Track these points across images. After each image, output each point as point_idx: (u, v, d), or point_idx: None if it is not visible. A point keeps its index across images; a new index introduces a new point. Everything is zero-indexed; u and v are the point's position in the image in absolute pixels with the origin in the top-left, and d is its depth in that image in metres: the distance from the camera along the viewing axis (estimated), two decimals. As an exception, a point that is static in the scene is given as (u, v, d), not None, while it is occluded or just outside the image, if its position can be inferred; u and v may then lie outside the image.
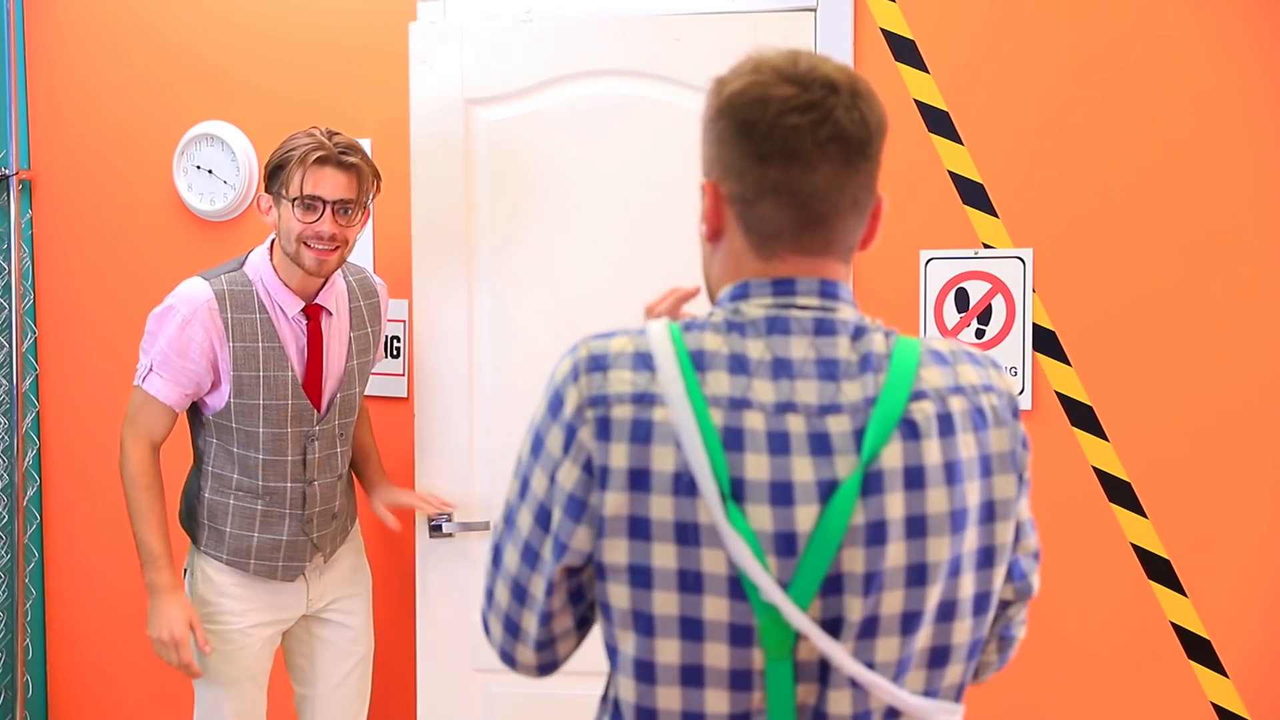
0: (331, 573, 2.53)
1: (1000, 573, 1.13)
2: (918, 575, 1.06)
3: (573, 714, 2.72)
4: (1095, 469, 2.44)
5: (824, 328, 1.10)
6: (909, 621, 1.06)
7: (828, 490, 1.04)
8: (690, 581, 1.05)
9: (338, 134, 2.33)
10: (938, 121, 2.50)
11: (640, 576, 1.06)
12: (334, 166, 2.27)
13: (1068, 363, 2.44)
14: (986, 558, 1.10)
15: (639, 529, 1.05)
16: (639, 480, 1.05)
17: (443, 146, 2.74)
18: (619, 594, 1.08)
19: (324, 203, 2.27)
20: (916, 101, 2.51)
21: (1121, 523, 2.43)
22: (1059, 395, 2.45)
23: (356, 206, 2.32)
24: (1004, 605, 1.20)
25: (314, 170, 2.26)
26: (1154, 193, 2.39)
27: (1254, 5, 2.33)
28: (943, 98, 2.49)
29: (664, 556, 1.05)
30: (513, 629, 1.17)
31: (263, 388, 2.34)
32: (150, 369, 2.33)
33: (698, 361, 1.08)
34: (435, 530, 2.67)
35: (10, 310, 3.16)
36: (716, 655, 1.06)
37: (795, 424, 1.05)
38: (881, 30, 2.52)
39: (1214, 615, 2.38)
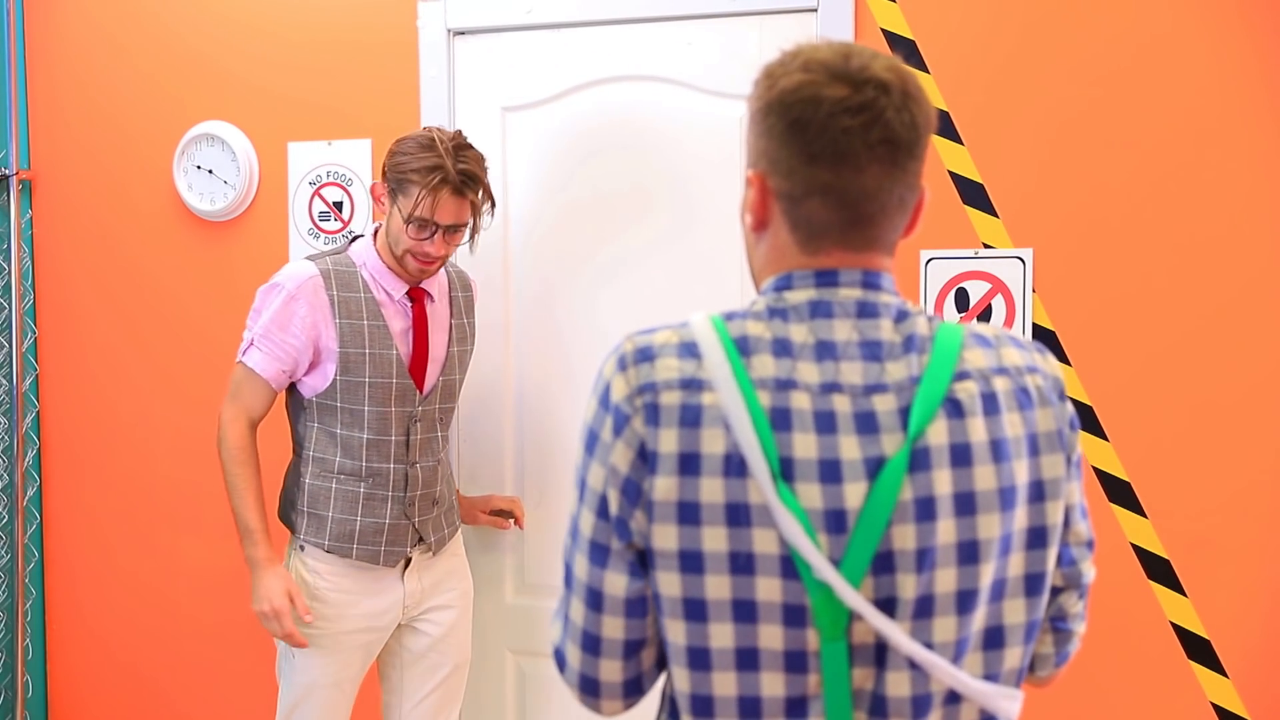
0: (429, 575, 2.50)
1: (1052, 554, 1.13)
2: (970, 552, 1.06)
3: None
4: (1095, 469, 2.44)
5: (866, 310, 1.12)
6: (965, 600, 1.07)
7: (875, 467, 1.05)
8: (742, 563, 1.06)
9: (464, 149, 2.29)
10: (938, 121, 2.50)
11: (691, 561, 1.07)
12: (453, 193, 2.26)
13: (1068, 362, 2.45)
14: (1038, 538, 1.11)
15: (689, 514, 1.07)
16: (689, 464, 1.07)
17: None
18: (669, 581, 1.08)
19: (437, 226, 2.29)
20: (917, 102, 2.51)
21: (1121, 523, 2.43)
22: (1059, 395, 2.45)
23: (467, 228, 2.35)
24: (1055, 592, 1.19)
25: (434, 194, 2.24)
26: (1153, 193, 2.39)
27: (1253, 4, 2.33)
28: (943, 97, 2.50)
29: (715, 540, 1.06)
30: (592, 644, 1.14)
31: (369, 365, 2.35)
32: (251, 343, 2.36)
33: (742, 347, 1.10)
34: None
35: (10, 310, 3.16)
36: (771, 637, 1.07)
37: (841, 403, 1.07)
38: (882, 30, 2.52)
39: (1214, 615, 2.38)
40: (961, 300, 2.49)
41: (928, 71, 2.50)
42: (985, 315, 2.48)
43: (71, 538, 3.22)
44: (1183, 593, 2.40)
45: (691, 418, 1.07)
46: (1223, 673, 2.38)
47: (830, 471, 1.05)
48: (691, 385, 1.09)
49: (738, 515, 1.05)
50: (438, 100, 2.81)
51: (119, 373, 3.14)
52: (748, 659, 1.08)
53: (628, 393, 1.11)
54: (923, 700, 1.07)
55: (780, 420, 1.06)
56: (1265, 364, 2.34)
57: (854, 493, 1.05)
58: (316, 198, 2.93)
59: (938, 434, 1.06)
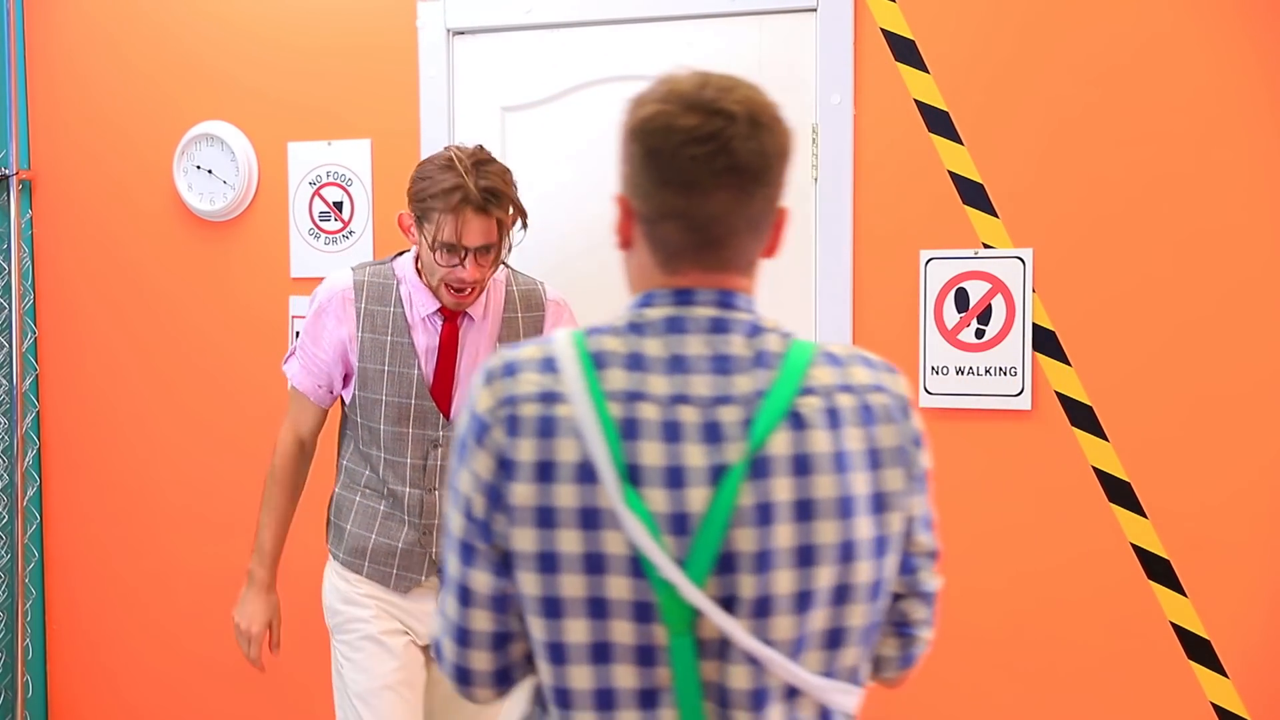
0: None
1: (891, 562, 1.20)
2: (807, 556, 1.13)
3: None
4: (1095, 469, 2.44)
5: (719, 326, 1.19)
6: (802, 601, 1.13)
7: (718, 474, 1.12)
8: (594, 563, 1.13)
9: (485, 164, 2.14)
10: (938, 121, 2.50)
11: (548, 562, 1.14)
12: (477, 211, 2.10)
13: (1067, 363, 2.44)
14: (880, 547, 1.18)
15: (546, 518, 1.14)
16: (545, 472, 1.14)
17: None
18: (529, 581, 1.15)
19: (466, 249, 2.13)
20: (916, 101, 2.51)
21: (1121, 523, 2.43)
22: (1059, 395, 2.45)
23: (498, 246, 2.17)
24: (897, 598, 1.26)
25: (456, 215, 2.10)
26: (1153, 192, 2.39)
27: (1252, 4, 2.33)
28: (943, 98, 2.50)
29: (569, 542, 1.13)
30: (463, 637, 1.21)
31: (386, 383, 2.26)
32: (291, 354, 2.36)
33: (598, 361, 1.17)
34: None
35: (10, 310, 3.16)
36: (622, 632, 1.14)
37: (688, 414, 1.14)
38: (882, 30, 2.52)
39: (1214, 615, 2.38)
40: (961, 300, 2.49)
41: (928, 71, 2.50)
42: (985, 315, 2.48)
43: (71, 538, 3.22)
44: (1183, 593, 2.40)
45: (547, 428, 1.15)
46: (1223, 673, 2.38)
47: (675, 477, 1.12)
48: (549, 398, 1.16)
49: (590, 519, 1.13)
50: (437, 100, 2.81)
51: (119, 373, 3.14)
52: (601, 653, 1.15)
53: (491, 404, 1.18)
54: (761, 693, 1.14)
55: (629, 430, 1.13)
56: (1265, 364, 2.34)
57: (697, 497, 1.12)
58: (316, 198, 2.93)
59: (779, 444, 1.13)
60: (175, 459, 3.10)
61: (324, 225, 2.93)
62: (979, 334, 2.49)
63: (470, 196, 2.09)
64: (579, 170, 2.73)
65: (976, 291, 2.49)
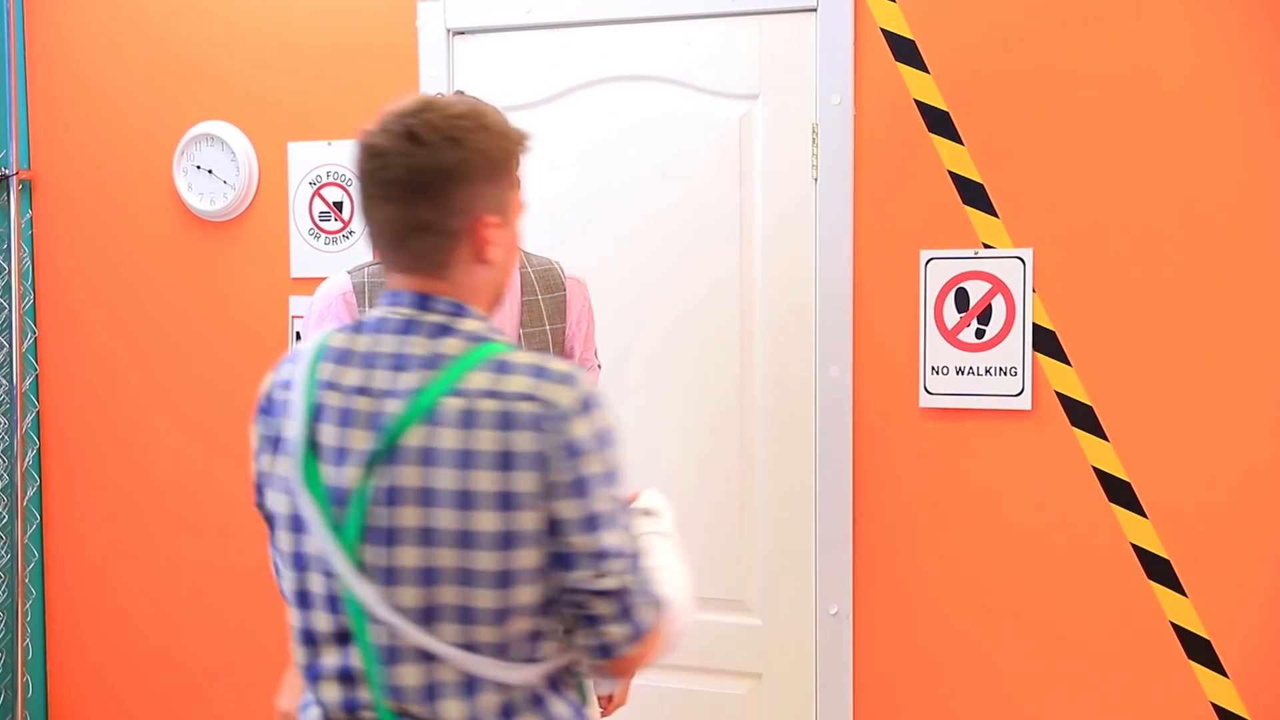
0: None
1: (528, 555, 1.31)
2: (428, 537, 1.30)
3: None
4: (1095, 469, 2.44)
5: (408, 328, 1.37)
6: (425, 576, 1.30)
7: (370, 457, 1.32)
8: (295, 524, 1.37)
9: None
10: (938, 121, 2.50)
11: (275, 522, 1.41)
12: None
13: (1068, 363, 2.44)
14: (507, 540, 1.30)
15: (278, 483, 1.39)
16: (278, 445, 1.39)
17: None
18: (275, 537, 1.42)
19: None
20: (917, 101, 2.51)
21: (1121, 523, 2.43)
22: (1059, 395, 2.45)
23: None
24: (575, 592, 1.34)
25: None
26: (1154, 192, 2.39)
27: (1253, 5, 2.33)
28: (943, 98, 2.50)
29: (281, 504, 1.38)
30: (285, 595, 1.44)
31: None
32: None
33: (324, 354, 1.39)
34: None
35: (10, 310, 3.16)
36: (316, 583, 1.36)
37: (362, 403, 1.34)
38: (882, 30, 2.52)
39: (1214, 615, 2.38)
40: (961, 300, 2.49)
41: (928, 71, 2.50)
42: (985, 315, 2.48)
43: (71, 538, 3.22)
44: (1183, 593, 2.40)
45: (281, 409, 1.40)
46: (1223, 673, 2.38)
47: (340, 457, 1.33)
48: (288, 385, 1.40)
49: (290, 487, 1.37)
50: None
51: (119, 373, 3.14)
52: (304, 600, 1.38)
53: (264, 389, 1.45)
54: (394, 651, 1.33)
55: (319, 414, 1.35)
56: (1265, 364, 2.34)
57: (351, 475, 1.32)
58: (317, 198, 2.93)
59: (413, 437, 1.30)
60: (175, 459, 3.10)
61: (324, 225, 2.93)
62: (979, 334, 2.49)
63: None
64: (579, 170, 2.74)
65: (976, 291, 2.49)
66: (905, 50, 2.51)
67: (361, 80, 2.89)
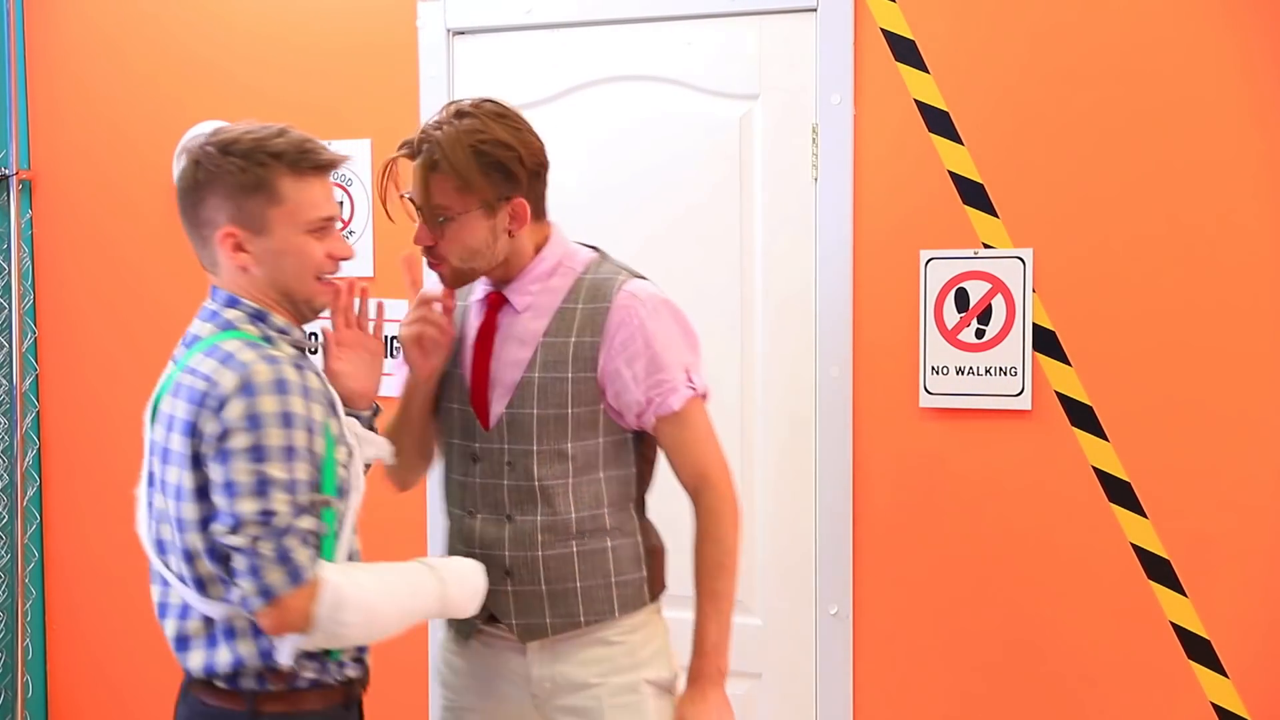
0: (562, 663, 1.92)
1: (190, 508, 1.61)
2: (159, 484, 1.66)
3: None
4: (1095, 469, 2.44)
5: (200, 313, 1.73)
6: (160, 515, 1.67)
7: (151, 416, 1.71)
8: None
9: (463, 116, 1.83)
10: (938, 121, 2.50)
11: None
12: (418, 164, 1.85)
13: (1067, 363, 2.45)
14: (178, 492, 1.62)
15: None
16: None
17: None
18: None
19: (417, 208, 1.87)
20: (917, 101, 2.51)
21: (1121, 523, 2.43)
22: (1059, 395, 2.45)
23: (453, 217, 1.82)
24: (216, 545, 1.61)
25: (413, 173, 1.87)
26: (1154, 192, 2.39)
27: (1253, 5, 2.33)
28: (943, 98, 2.50)
29: None
30: None
31: (444, 384, 1.97)
32: None
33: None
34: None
35: (10, 310, 3.16)
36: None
37: (171, 373, 1.70)
38: (882, 30, 2.52)
39: (1214, 615, 2.38)
40: (961, 300, 2.49)
41: (928, 71, 2.50)
42: (985, 315, 2.48)
43: (71, 538, 3.22)
44: (1183, 593, 2.40)
45: None
46: (1223, 673, 2.38)
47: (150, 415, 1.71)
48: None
49: None
50: (438, 100, 2.81)
51: (119, 373, 3.14)
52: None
53: None
54: (152, 573, 1.77)
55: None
56: (1265, 364, 2.34)
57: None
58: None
59: (164, 403, 1.66)
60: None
61: (324, 225, 2.93)
62: (979, 334, 2.49)
63: (410, 140, 1.86)
64: (580, 171, 2.73)
65: (977, 291, 2.49)
66: (905, 50, 2.51)
67: (362, 80, 2.89)
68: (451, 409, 1.96)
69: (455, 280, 1.90)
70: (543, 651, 1.92)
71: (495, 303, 1.92)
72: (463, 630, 1.97)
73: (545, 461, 1.87)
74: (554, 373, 1.87)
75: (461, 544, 1.95)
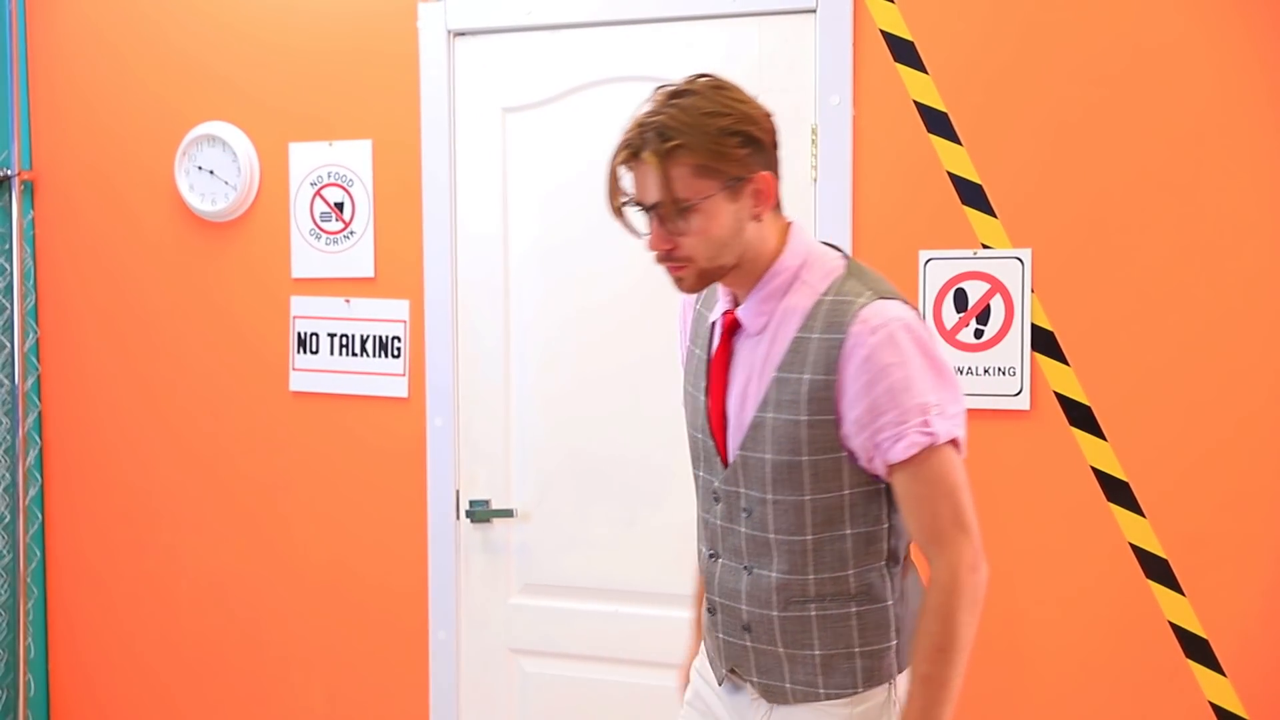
0: None
1: None
2: None
3: (603, 695, 2.78)
4: (1093, 469, 2.44)
5: None
6: None
7: None
8: None
9: (678, 96, 1.66)
10: (937, 122, 2.50)
11: None
12: (630, 159, 1.67)
13: (1066, 363, 2.45)
14: None
15: None
16: None
17: (476, 152, 2.83)
18: None
19: (639, 204, 1.68)
20: (916, 102, 2.51)
21: (1120, 522, 2.43)
22: (1057, 395, 2.46)
23: (687, 206, 1.61)
24: None
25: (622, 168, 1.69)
26: (1152, 193, 2.40)
27: (1253, 4, 2.34)
28: (941, 99, 2.50)
29: None
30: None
31: (686, 406, 1.82)
32: None
33: None
34: (471, 515, 2.82)
35: (12, 310, 3.17)
36: None
37: None
38: (881, 32, 2.53)
39: (1212, 615, 2.39)
40: (960, 300, 2.50)
41: (926, 72, 2.50)
42: (984, 315, 2.49)
43: (73, 538, 3.23)
44: (1181, 592, 2.40)
45: None
46: (1220, 672, 2.38)
47: None
48: None
49: None
50: (438, 101, 2.82)
51: (121, 373, 3.15)
52: None
53: None
54: None
55: None
56: (1264, 364, 2.35)
57: None
58: (318, 198, 2.94)
59: None
60: (177, 459, 3.11)
61: (325, 226, 2.94)
62: (978, 334, 2.50)
63: (626, 138, 1.67)
64: (580, 171, 2.74)
65: (975, 292, 2.50)
66: (904, 51, 2.52)
67: (362, 81, 2.89)
68: (696, 437, 1.78)
69: (700, 283, 1.68)
70: (783, 710, 1.73)
71: (730, 326, 1.72)
72: (714, 670, 1.82)
73: (782, 513, 1.66)
74: (788, 414, 1.63)
75: (707, 583, 1.80)
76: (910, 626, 1.68)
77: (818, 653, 1.68)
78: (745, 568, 1.71)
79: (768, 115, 1.67)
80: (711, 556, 1.76)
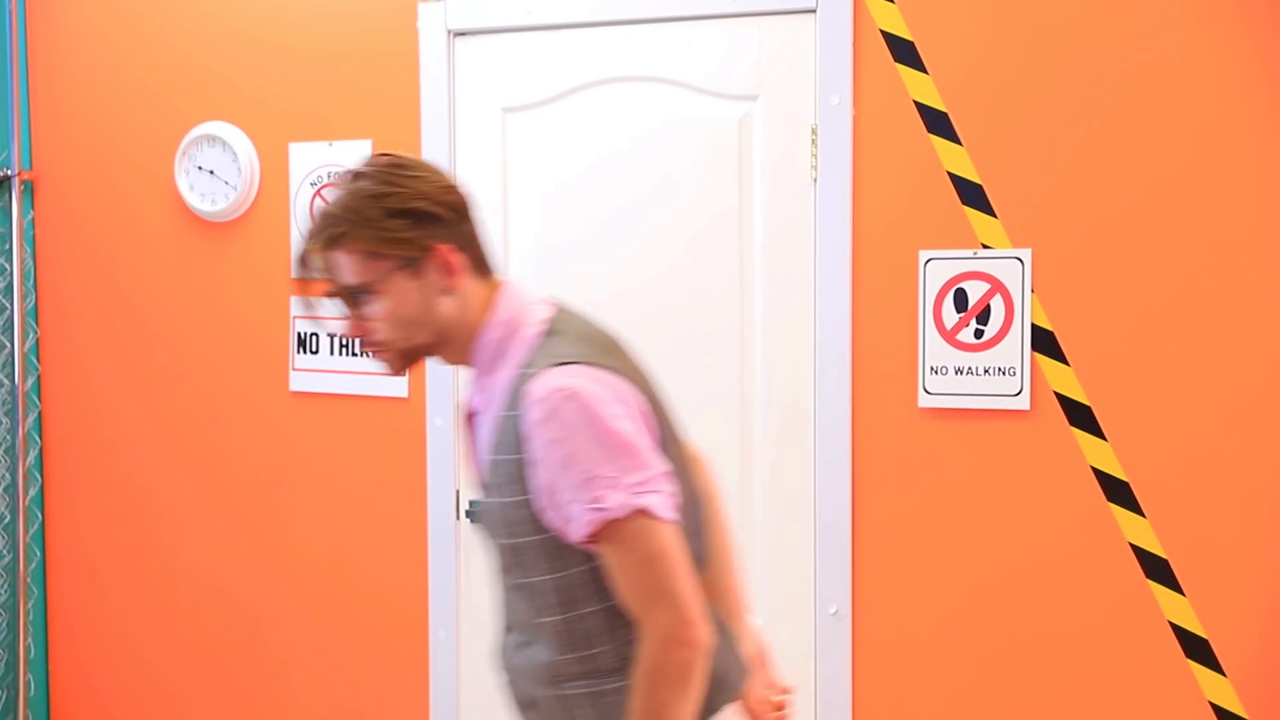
0: None
1: None
2: None
3: None
4: (1094, 469, 2.44)
5: None
6: None
7: None
8: None
9: (330, 201, 1.62)
10: (937, 122, 2.50)
11: None
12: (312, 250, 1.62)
13: (1066, 363, 2.45)
14: None
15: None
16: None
17: (476, 152, 2.83)
18: None
19: (340, 298, 1.64)
20: (916, 102, 2.51)
21: (1120, 522, 2.43)
22: (1057, 395, 2.46)
23: (369, 290, 1.58)
24: None
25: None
26: (1153, 192, 2.40)
27: (1253, 5, 2.34)
28: (941, 99, 2.50)
29: None
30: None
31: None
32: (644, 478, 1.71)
33: None
34: (470, 515, 2.82)
35: (12, 310, 3.17)
36: None
37: None
38: (881, 32, 2.53)
39: (1212, 615, 2.39)
40: (960, 300, 2.50)
41: (926, 73, 2.50)
42: (984, 315, 2.49)
43: (73, 538, 3.23)
44: (1181, 592, 2.40)
45: None
46: (1221, 672, 2.38)
47: None
48: None
49: None
50: (438, 101, 2.82)
51: (121, 373, 3.15)
52: None
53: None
54: None
55: None
56: (1264, 364, 2.35)
57: None
58: (318, 198, 2.94)
59: None
60: (177, 458, 3.11)
61: (325, 226, 2.94)
62: (978, 334, 2.50)
63: (309, 229, 1.63)
64: (579, 171, 2.74)
65: (975, 292, 2.49)
66: (904, 51, 2.52)
67: (362, 81, 2.89)
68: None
69: (404, 363, 1.64)
70: None
71: (469, 409, 1.69)
72: None
73: (529, 596, 1.61)
74: (502, 497, 1.58)
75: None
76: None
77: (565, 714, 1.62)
78: (520, 644, 1.67)
79: (449, 187, 1.62)
80: (504, 630, 1.72)
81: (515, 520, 1.57)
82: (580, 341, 1.60)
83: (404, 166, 1.61)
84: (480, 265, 1.64)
